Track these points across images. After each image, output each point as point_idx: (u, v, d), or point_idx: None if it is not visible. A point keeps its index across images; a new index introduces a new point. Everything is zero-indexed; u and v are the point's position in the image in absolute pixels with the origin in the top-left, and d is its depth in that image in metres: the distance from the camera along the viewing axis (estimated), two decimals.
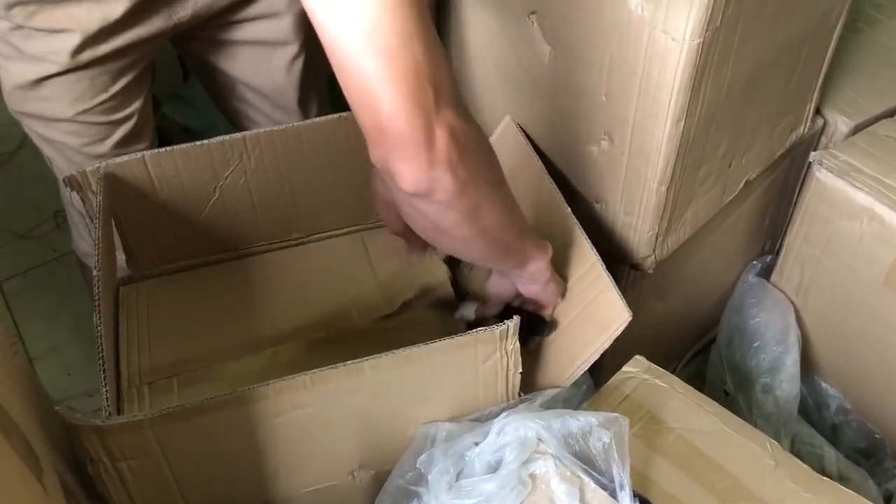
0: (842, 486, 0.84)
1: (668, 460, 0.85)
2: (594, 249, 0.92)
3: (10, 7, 0.99)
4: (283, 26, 1.17)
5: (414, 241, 1.01)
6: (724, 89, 0.91)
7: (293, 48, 1.19)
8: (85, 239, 1.23)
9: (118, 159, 1.02)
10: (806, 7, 0.96)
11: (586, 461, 0.78)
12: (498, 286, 0.95)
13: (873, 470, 1.18)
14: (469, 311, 0.99)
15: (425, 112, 0.65)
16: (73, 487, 0.75)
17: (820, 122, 1.17)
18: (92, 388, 1.53)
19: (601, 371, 0.99)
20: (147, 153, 1.03)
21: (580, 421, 0.79)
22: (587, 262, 0.92)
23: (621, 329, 0.86)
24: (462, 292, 1.10)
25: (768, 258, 1.30)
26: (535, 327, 0.94)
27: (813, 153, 1.11)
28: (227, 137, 1.05)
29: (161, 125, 1.66)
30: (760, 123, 1.05)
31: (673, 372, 1.24)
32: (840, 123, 1.16)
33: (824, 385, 1.24)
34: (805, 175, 1.14)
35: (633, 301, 1.08)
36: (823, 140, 1.19)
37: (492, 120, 1.12)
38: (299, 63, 1.21)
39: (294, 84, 1.24)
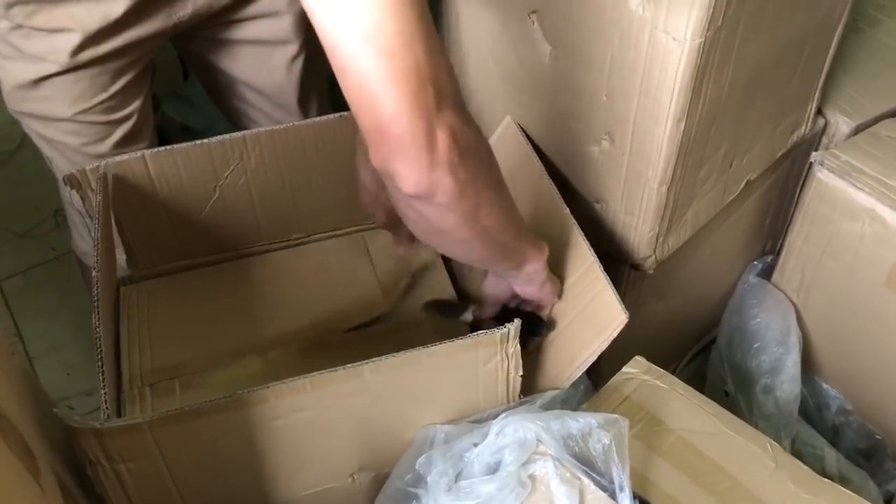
0: (842, 488, 0.84)
1: (668, 462, 0.85)
2: (592, 250, 0.92)
3: (9, 6, 0.99)
4: (283, 25, 1.17)
5: (401, 233, 1.01)
6: (726, 89, 0.91)
7: (293, 47, 1.19)
8: (84, 238, 1.23)
9: (118, 158, 1.02)
10: (807, 7, 0.96)
11: (586, 462, 0.78)
12: (494, 288, 0.94)
13: (874, 471, 1.18)
14: (467, 313, 0.99)
15: (426, 113, 0.64)
16: (71, 488, 0.75)
17: (821, 122, 1.17)
18: (91, 387, 1.52)
19: (601, 372, 0.98)
20: (147, 152, 1.03)
21: (580, 422, 0.78)
22: (585, 262, 0.92)
23: (618, 330, 0.86)
24: (461, 294, 1.10)
25: (769, 258, 1.30)
26: (534, 328, 0.93)
27: (814, 153, 1.11)
28: (227, 137, 1.05)
29: (161, 124, 1.65)
30: (761, 123, 1.04)
31: (673, 372, 1.24)
32: (841, 124, 1.16)
33: (825, 386, 1.24)
34: (806, 175, 1.13)
35: (633, 301, 1.08)
36: (825, 140, 1.19)
37: (492, 120, 1.12)
38: (299, 62, 1.21)
39: (294, 83, 1.23)
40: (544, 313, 0.94)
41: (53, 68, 1.03)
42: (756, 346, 1.20)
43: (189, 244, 1.12)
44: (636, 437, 0.86)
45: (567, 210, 0.96)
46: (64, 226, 1.30)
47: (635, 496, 0.76)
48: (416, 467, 0.80)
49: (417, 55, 0.63)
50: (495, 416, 0.82)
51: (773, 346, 1.18)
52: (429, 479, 0.79)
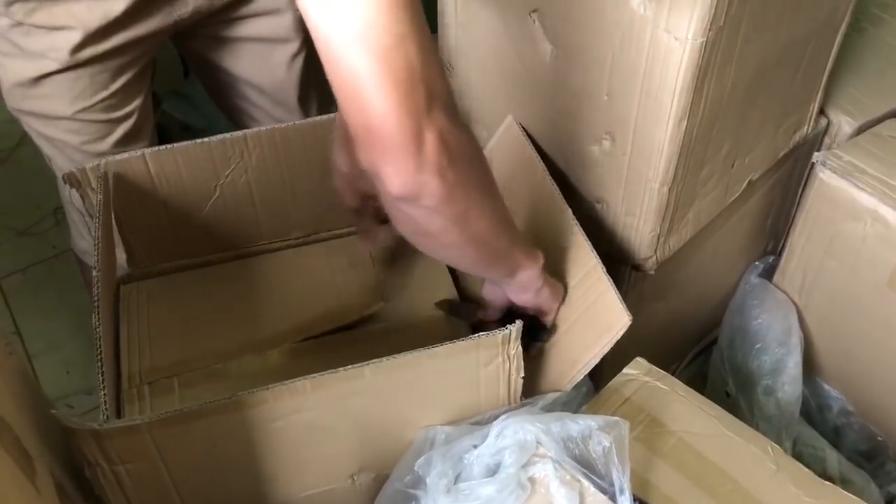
0: (843, 491, 0.84)
1: (668, 464, 0.85)
2: (594, 251, 0.92)
3: (9, 4, 0.99)
4: (284, 23, 1.17)
5: (365, 227, 1.01)
6: (727, 89, 0.90)
7: (294, 45, 1.19)
8: (84, 237, 1.23)
9: (118, 157, 1.02)
10: (810, 7, 0.96)
11: (586, 465, 0.78)
12: (491, 294, 0.94)
13: (875, 472, 1.18)
14: (471, 313, 0.99)
15: (416, 114, 0.64)
16: (69, 490, 0.75)
17: (823, 122, 1.16)
18: (91, 385, 1.52)
19: (601, 373, 0.98)
20: (147, 151, 1.03)
21: (580, 424, 0.78)
22: (587, 264, 0.92)
23: (621, 333, 0.85)
24: (462, 295, 1.10)
25: (771, 259, 1.29)
26: (536, 333, 0.93)
27: (816, 154, 1.10)
28: (227, 135, 1.05)
29: (161, 122, 1.65)
30: (763, 124, 1.04)
31: (674, 373, 1.24)
32: (844, 124, 1.15)
33: (826, 387, 1.24)
34: (808, 176, 1.13)
35: (634, 302, 1.07)
36: (827, 140, 1.18)
37: (492, 119, 1.12)
38: (300, 60, 1.21)
39: (295, 81, 1.23)
40: (548, 319, 0.94)
41: (53, 66, 1.03)
42: (757, 346, 1.19)
43: (189, 243, 1.12)
44: (637, 439, 0.86)
45: (569, 211, 0.96)
46: (64, 223, 1.30)
47: (635, 499, 0.76)
48: (416, 469, 0.80)
49: (409, 56, 0.63)
50: (495, 417, 0.82)
51: (775, 346, 1.18)
52: (428, 480, 0.78)
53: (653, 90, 0.87)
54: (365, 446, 0.84)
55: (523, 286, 0.88)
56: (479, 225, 0.75)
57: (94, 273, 0.90)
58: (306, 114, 1.27)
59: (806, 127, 1.14)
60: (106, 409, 0.81)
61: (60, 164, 1.14)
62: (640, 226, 0.99)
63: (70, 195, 1.08)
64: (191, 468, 0.80)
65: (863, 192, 1.06)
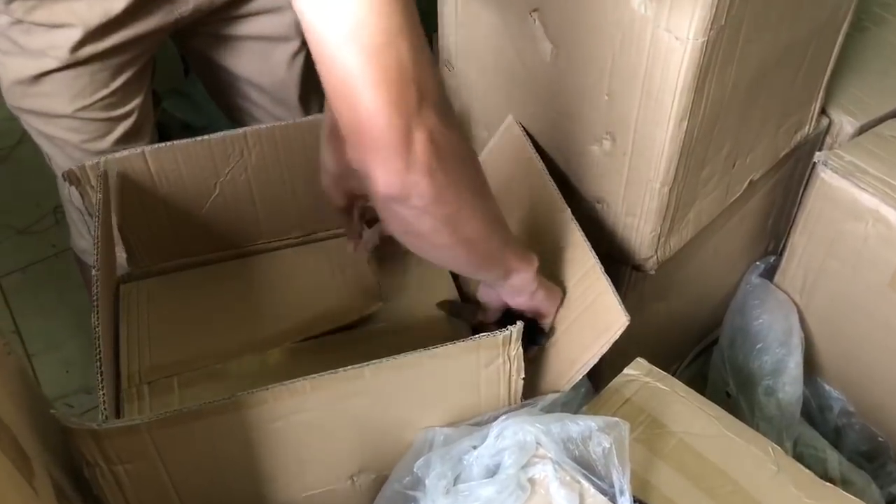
0: (845, 492, 0.83)
1: (669, 465, 0.85)
2: (593, 252, 0.91)
3: (9, 1, 0.99)
4: (285, 21, 1.16)
5: (353, 228, 1.01)
6: (728, 89, 0.90)
7: (295, 44, 1.19)
8: (83, 236, 1.23)
9: (118, 154, 1.02)
10: (812, 6, 0.95)
11: (586, 466, 0.78)
12: (486, 296, 0.94)
13: (876, 473, 1.17)
14: (471, 314, 0.99)
15: (405, 113, 0.64)
16: (67, 490, 0.75)
17: (825, 122, 1.16)
18: (90, 384, 1.53)
19: (601, 374, 0.98)
20: (147, 148, 1.02)
21: (580, 425, 0.78)
22: (586, 264, 0.91)
23: (619, 333, 0.85)
24: (463, 295, 1.10)
25: (772, 259, 1.29)
26: (533, 336, 0.93)
27: (818, 153, 1.10)
28: (227, 133, 1.05)
29: (161, 121, 1.65)
30: (765, 123, 1.04)
31: (674, 373, 1.24)
32: (845, 123, 1.15)
33: (827, 387, 1.23)
34: (809, 175, 1.13)
35: (634, 302, 1.07)
36: (828, 140, 1.18)
37: (492, 119, 1.11)
38: (301, 59, 1.21)
39: (295, 80, 1.23)
40: (545, 322, 0.94)
41: (53, 64, 1.03)
42: (758, 347, 1.19)
43: (189, 242, 1.12)
44: (637, 440, 0.86)
45: (568, 211, 0.96)
46: (64, 222, 1.30)
47: (636, 500, 0.76)
48: (415, 470, 0.79)
49: (401, 54, 0.63)
50: (495, 418, 0.82)
51: (776, 347, 1.18)
52: (427, 481, 0.78)
53: (653, 90, 0.86)
54: (365, 447, 0.84)
55: (517, 289, 0.88)
56: (470, 226, 0.75)
57: (94, 272, 0.90)
58: (307, 112, 1.27)
59: (807, 127, 1.14)
60: (105, 408, 0.81)
61: (60, 162, 1.13)
62: (640, 226, 0.99)
63: (69, 193, 1.08)
64: (190, 468, 0.80)
65: (864, 192, 1.05)
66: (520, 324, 0.80)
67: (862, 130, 1.14)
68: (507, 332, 0.80)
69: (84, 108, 1.08)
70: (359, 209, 1.02)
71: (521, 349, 0.82)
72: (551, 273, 0.93)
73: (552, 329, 0.93)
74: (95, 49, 1.03)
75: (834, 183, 1.08)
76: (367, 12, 0.61)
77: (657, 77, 0.85)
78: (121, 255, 1.09)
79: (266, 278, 1.12)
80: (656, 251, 1.02)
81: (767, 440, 0.87)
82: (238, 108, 1.29)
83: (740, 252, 1.27)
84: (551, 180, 1.00)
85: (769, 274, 1.26)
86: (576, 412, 0.86)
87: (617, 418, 0.78)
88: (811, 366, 1.22)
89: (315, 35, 0.63)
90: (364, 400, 0.80)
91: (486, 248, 0.80)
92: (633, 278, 1.06)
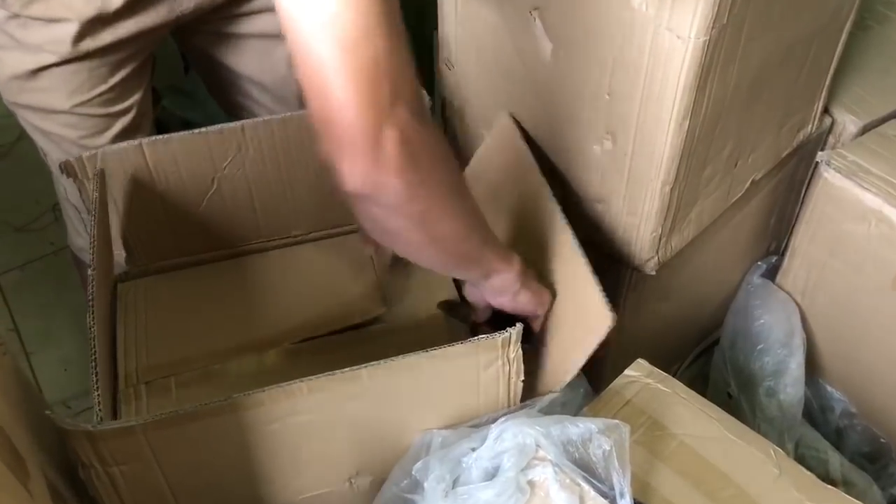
0: (847, 496, 0.83)
1: (670, 467, 0.84)
2: (582, 250, 0.90)
3: None
4: None
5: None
6: (731, 88, 0.89)
7: None
8: (80, 234, 1.22)
9: (115, 146, 1.01)
10: (815, 4, 0.95)
11: (586, 468, 0.77)
12: (472, 295, 0.94)
13: (878, 474, 1.17)
14: (468, 315, 0.98)
15: (377, 109, 0.63)
16: (62, 491, 0.74)
17: (828, 121, 1.15)
18: (89, 384, 1.52)
19: (602, 374, 0.97)
20: (144, 141, 1.02)
21: (580, 427, 0.77)
22: (575, 262, 0.90)
23: (605, 332, 0.84)
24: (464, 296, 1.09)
25: (774, 259, 1.28)
26: (526, 336, 0.92)
27: (820, 153, 1.10)
28: (225, 126, 1.04)
29: (161, 118, 1.64)
30: (767, 123, 1.03)
31: (675, 373, 1.23)
32: (848, 123, 1.14)
33: (829, 388, 1.23)
34: (812, 175, 1.12)
35: (635, 303, 1.07)
36: (831, 140, 1.17)
37: (491, 117, 1.11)
38: None
39: (297, 78, 1.22)
40: (535, 323, 0.93)
41: (51, 59, 1.02)
42: (759, 347, 1.19)
43: (187, 240, 1.11)
44: (637, 442, 0.85)
45: (559, 209, 0.95)
46: (63, 220, 1.30)
47: (636, 502, 0.75)
48: (413, 473, 0.79)
49: (376, 49, 0.62)
50: (494, 420, 0.81)
51: (777, 347, 1.17)
52: (426, 484, 0.78)
53: (655, 89, 0.86)
54: (362, 449, 0.84)
55: (499, 289, 0.88)
56: (443, 226, 0.74)
57: (90, 271, 0.90)
58: None
59: (810, 126, 1.13)
60: (100, 409, 0.80)
61: (56, 158, 1.13)
62: (641, 226, 0.98)
63: (66, 191, 1.07)
64: (186, 470, 0.79)
65: (867, 192, 1.05)
66: (519, 325, 0.80)
67: (865, 130, 1.13)
68: (507, 334, 0.79)
69: (82, 103, 1.08)
70: None
71: (520, 351, 0.81)
72: (540, 271, 0.92)
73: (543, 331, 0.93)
74: (94, 44, 1.03)
75: (837, 183, 1.07)
76: (345, 6, 0.61)
77: (658, 76, 0.84)
78: (119, 253, 1.08)
79: (265, 278, 1.12)
80: (657, 251, 1.01)
81: (769, 442, 0.87)
82: (239, 106, 1.28)
83: (742, 252, 1.26)
84: (542, 178, 0.99)
85: (771, 274, 1.25)
86: (575, 413, 0.86)
87: (617, 420, 0.78)
88: (813, 366, 1.22)
89: (291, 24, 0.63)
90: (362, 402, 0.79)
91: (462, 249, 0.80)
92: (634, 279, 1.05)
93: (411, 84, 0.66)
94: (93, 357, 0.82)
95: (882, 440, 1.19)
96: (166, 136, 1.02)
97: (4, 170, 2.00)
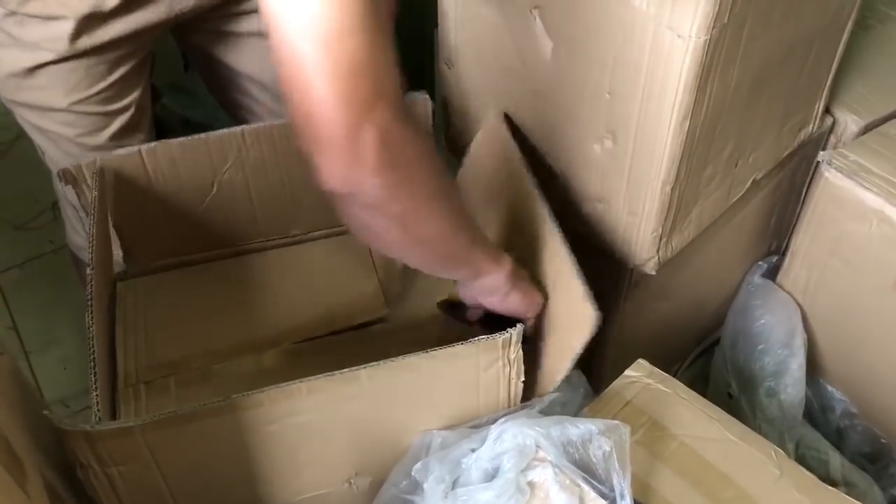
0: (847, 497, 0.83)
1: (670, 468, 0.84)
2: (569, 248, 0.89)
3: None
4: None
5: None
6: (731, 88, 0.89)
7: None
8: (79, 233, 1.22)
9: (114, 153, 1.01)
10: (816, 4, 0.94)
11: (586, 469, 0.77)
12: (463, 294, 0.93)
13: (879, 475, 1.17)
14: (463, 314, 0.98)
15: (356, 108, 0.63)
16: (60, 492, 0.74)
17: (829, 121, 1.15)
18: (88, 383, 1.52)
19: (602, 375, 0.97)
20: (144, 147, 1.02)
21: (580, 428, 0.77)
22: (560, 260, 0.90)
23: (591, 331, 0.83)
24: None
25: (774, 259, 1.28)
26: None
27: (821, 153, 1.09)
28: (225, 131, 1.04)
29: (161, 116, 1.64)
30: (768, 122, 1.03)
31: (676, 373, 1.23)
32: (850, 122, 1.14)
33: (830, 388, 1.23)
34: (813, 175, 1.12)
35: (635, 302, 1.06)
36: (833, 139, 1.17)
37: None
38: None
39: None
40: (529, 324, 0.92)
41: (49, 56, 1.02)
42: (760, 347, 1.18)
43: (186, 240, 1.11)
44: (638, 443, 0.85)
45: (547, 207, 0.94)
46: (62, 218, 1.30)
47: (636, 503, 0.75)
48: (413, 473, 0.79)
49: (358, 48, 0.62)
50: (494, 421, 0.81)
51: (778, 348, 1.17)
52: (425, 485, 0.77)
53: (655, 89, 0.85)
54: (362, 450, 0.84)
55: (489, 290, 0.87)
56: (426, 227, 0.74)
57: (89, 271, 0.90)
58: None
59: (811, 126, 1.13)
60: (98, 410, 0.80)
61: (54, 156, 1.13)
62: (642, 226, 0.98)
63: (65, 191, 1.07)
64: (184, 471, 0.79)
65: (869, 192, 1.04)
66: (520, 326, 0.80)
67: (866, 129, 1.13)
68: (507, 335, 0.79)
69: (79, 101, 1.07)
70: None
71: (520, 352, 0.81)
72: (531, 271, 0.91)
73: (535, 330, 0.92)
74: (91, 42, 1.02)
75: (838, 182, 1.07)
76: (328, 5, 0.61)
77: (659, 75, 0.84)
78: (117, 253, 1.08)
79: (264, 278, 1.12)
80: (658, 251, 1.01)
81: (770, 443, 0.87)
82: (238, 105, 1.28)
83: (743, 252, 1.26)
84: (531, 176, 0.98)
85: (772, 274, 1.25)
86: (575, 414, 0.85)
87: (617, 421, 0.78)
88: (813, 366, 1.21)
89: (274, 23, 0.62)
90: (361, 403, 0.79)
91: (448, 249, 0.79)
92: (635, 278, 1.05)
93: (394, 84, 0.66)
94: (91, 357, 0.82)
95: (883, 440, 1.19)
96: (166, 141, 1.03)
97: (3, 168, 1.99)
